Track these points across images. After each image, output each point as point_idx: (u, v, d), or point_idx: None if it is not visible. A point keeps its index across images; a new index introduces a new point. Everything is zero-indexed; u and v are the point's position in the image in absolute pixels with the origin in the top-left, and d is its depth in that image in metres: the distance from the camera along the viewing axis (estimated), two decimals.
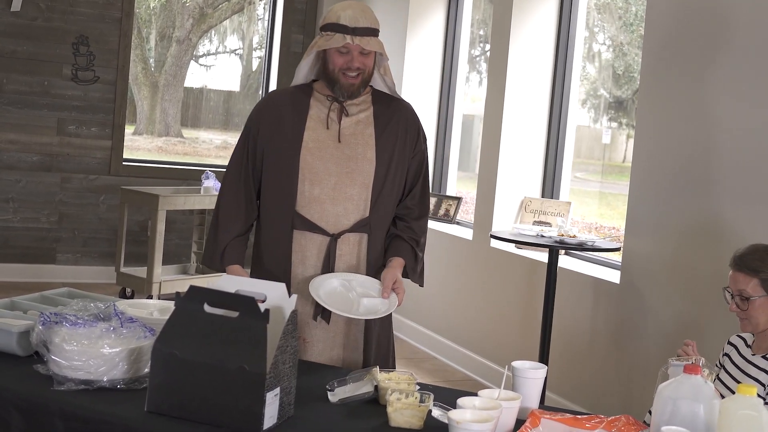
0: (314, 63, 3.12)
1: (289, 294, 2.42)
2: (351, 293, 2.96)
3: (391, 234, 3.14)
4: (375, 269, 3.08)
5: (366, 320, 3.03)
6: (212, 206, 7.13)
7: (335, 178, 3.01)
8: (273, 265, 3.04)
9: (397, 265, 3.06)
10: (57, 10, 7.44)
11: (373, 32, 3.02)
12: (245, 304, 2.21)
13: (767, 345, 2.83)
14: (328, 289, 2.94)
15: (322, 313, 3.01)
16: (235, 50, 9.31)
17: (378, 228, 3.07)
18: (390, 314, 3.06)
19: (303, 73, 3.13)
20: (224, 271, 3.07)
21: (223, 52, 9.27)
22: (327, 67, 3.03)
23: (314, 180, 3.01)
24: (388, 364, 3.13)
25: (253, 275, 3.00)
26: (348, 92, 3.03)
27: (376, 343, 3.10)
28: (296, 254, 3.03)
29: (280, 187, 3.04)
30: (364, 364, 3.06)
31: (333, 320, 3.03)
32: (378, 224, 3.07)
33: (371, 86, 3.15)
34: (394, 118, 3.13)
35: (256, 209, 3.13)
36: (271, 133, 3.07)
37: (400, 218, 3.16)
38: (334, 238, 3.01)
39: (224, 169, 3.22)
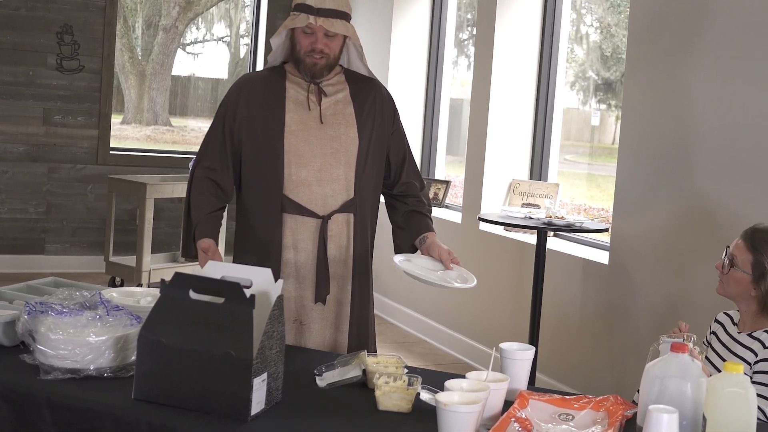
0: (284, 44, 3.11)
1: (275, 279, 2.41)
2: (422, 270, 3.02)
3: (407, 210, 3.21)
4: (362, 248, 3.11)
5: (351, 303, 3.09)
6: None
7: (320, 160, 3.02)
8: (261, 249, 3.02)
9: (433, 237, 3.14)
10: (40, 0, 7.39)
11: (340, 15, 3.00)
12: (231, 289, 2.21)
13: (753, 323, 2.83)
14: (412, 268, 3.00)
15: (319, 295, 3.04)
16: (223, 38, 9.27)
17: (362, 206, 3.09)
18: (371, 297, 3.19)
19: (275, 54, 3.13)
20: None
21: (211, 40, 9.23)
22: (294, 48, 3.04)
23: (300, 163, 3.00)
24: (371, 347, 3.17)
25: (237, 262, 3.00)
26: (311, 73, 3.03)
27: (357, 324, 3.13)
28: (287, 238, 3.03)
29: (265, 171, 3.03)
30: (349, 345, 3.08)
31: (327, 302, 3.06)
32: (362, 203, 3.09)
33: (342, 66, 3.16)
34: (371, 96, 3.15)
35: (232, 192, 3.12)
36: (249, 117, 3.05)
37: (406, 194, 3.22)
38: (325, 219, 3.01)
39: None
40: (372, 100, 3.14)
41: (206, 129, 3.19)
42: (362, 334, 3.14)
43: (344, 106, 3.09)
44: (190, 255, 3.08)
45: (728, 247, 2.90)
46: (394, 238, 3.24)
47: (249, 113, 3.05)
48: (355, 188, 3.06)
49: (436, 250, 3.08)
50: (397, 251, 3.19)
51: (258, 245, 3.04)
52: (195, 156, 3.18)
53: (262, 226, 3.04)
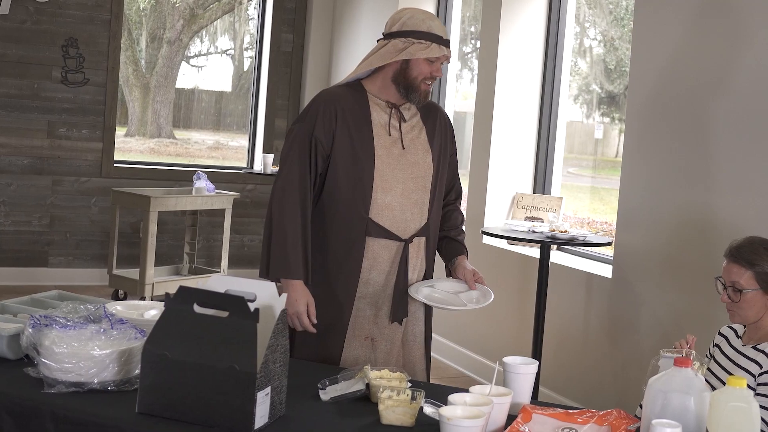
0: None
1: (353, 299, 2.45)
2: (442, 294, 3.16)
3: (444, 236, 3.30)
4: (429, 270, 3.23)
5: (425, 319, 3.23)
6: (204, 206, 7.12)
7: (402, 185, 3.09)
8: (339, 270, 3.07)
9: (461, 260, 3.26)
10: (46, 13, 7.42)
11: None
12: (235, 303, 2.21)
13: (758, 336, 2.83)
14: (426, 295, 3.12)
15: (396, 316, 3.12)
16: (227, 50, 9.29)
17: (433, 230, 3.20)
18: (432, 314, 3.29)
19: (362, 72, 3.13)
20: (284, 283, 2.99)
21: (215, 53, 9.25)
22: (408, 73, 3.06)
23: (385, 187, 3.07)
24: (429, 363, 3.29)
25: (314, 280, 3.05)
26: (424, 99, 3.13)
27: (426, 341, 3.26)
28: (367, 260, 3.08)
29: (353, 194, 3.05)
30: (426, 359, 3.23)
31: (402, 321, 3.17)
32: (433, 226, 3.20)
33: None
34: (436, 120, 3.23)
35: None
36: (341, 140, 3.04)
37: (448, 222, 3.31)
38: (407, 243, 3.10)
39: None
40: (438, 125, 3.22)
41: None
42: (428, 351, 3.26)
43: (419, 132, 3.16)
44: (274, 277, 2.98)
45: (719, 278, 2.89)
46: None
47: (343, 137, 3.04)
48: (429, 212, 3.15)
49: (461, 271, 3.22)
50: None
51: (336, 266, 3.08)
52: (278, 174, 3.05)
53: (344, 247, 3.08)
